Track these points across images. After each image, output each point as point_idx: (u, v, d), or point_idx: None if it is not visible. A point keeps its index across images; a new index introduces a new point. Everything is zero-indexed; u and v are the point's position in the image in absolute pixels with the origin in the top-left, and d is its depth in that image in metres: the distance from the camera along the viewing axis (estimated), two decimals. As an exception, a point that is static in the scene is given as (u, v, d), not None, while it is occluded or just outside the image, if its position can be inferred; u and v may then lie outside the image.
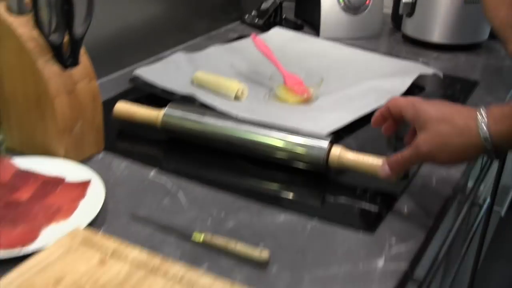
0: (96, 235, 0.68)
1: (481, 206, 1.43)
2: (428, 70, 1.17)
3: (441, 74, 1.18)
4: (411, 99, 0.79)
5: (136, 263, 0.64)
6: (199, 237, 0.72)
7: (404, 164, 0.77)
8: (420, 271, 0.93)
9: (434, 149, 0.73)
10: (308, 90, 1.07)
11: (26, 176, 0.81)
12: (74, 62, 0.82)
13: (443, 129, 0.72)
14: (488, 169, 1.33)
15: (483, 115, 0.70)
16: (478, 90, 1.20)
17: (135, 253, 0.65)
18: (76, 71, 0.83)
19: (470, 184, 1.22)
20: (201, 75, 1.10)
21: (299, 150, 0.85)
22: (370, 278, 0.67)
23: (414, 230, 0.76)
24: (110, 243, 0.66)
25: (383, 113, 0.81)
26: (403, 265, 0.70)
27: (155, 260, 0.64)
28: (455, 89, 1.19)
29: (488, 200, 1.46)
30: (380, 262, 0.70)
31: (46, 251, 0.65)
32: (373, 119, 0.83)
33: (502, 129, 0.68)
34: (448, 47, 1.39)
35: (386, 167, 0.78)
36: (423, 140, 0.73)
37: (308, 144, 0.85)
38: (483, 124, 0.69)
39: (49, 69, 0.80)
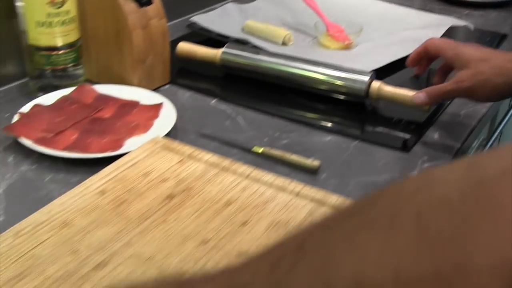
0: (173, 142, 0.80)
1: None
2: (460, 23, 1.27)
3: (471, 27, 1.27)
4: (449, 40, 0.89)
5: (210, 163, 0.76)
6: (259, 149, 0.84)
7: (443, 95, 0.86)
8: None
9: (476, 85, 0.80)
10: (348, 38, 1.18)
11: (105, 99, 0.94)
12: (149, 1, 0.94)
13: (484, 67, 0.80)
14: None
15: None
16: (506, 42, 1.30)
17: (208, 156, 0.78)
18: (150, 9, 0.95)
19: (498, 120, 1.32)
20: (251, 23, 1.21)
21: (343, 83, 0.97)
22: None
23: (443, 152, 0.87)
24: (186, 149, 0.79)
25: (420, 53, 0.91)
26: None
27: (226, 162, 0.77)
28: (485, 42, 1.29)
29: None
30: (414, 174, 0.82)
31: (133, 153, 0.78)
32: (409, 58, 0.93)
33: None
34: (479, 4, 1.48)
35: (422, 95, 0.87)
36: (466, 76, 0.81)
37: (351, 77, 0.96)
38: None
39: (128, 6, 0.92)
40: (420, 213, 0.25)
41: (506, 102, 1.33)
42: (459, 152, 0.89)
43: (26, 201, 0.73)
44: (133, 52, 0.94)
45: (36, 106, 0.90)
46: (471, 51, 0.83)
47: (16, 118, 0.87)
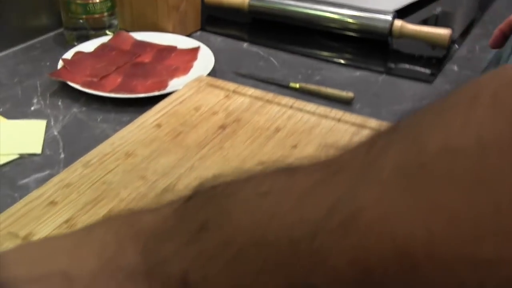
0: (217, 80, 0.85)
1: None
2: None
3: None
4: None
5: (254, 97, 0.81)
6: (295, 84, 0.89)
7: None
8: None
9: None
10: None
11: (143, 45, 0.98)
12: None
13: None
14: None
15: None
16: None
17: (252, 91, 0.82)
18: (181, -42, 0.98)
19: None
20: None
21: (368, 23, 1.01)
22: (436, 110, 0.84)
23: (463, 82, 0.92)
24: (230, 85, 0.84)
25: (504, 30, 0.92)
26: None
27: (269, 95, 0.81)
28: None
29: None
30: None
31: (181, 91, 0.83)
32: (492, 38, 0.92)
33: None
34: None
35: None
36: None
37: (375, 17, 1.01)
38: None
39: (161, -46, 0.95)
40: (496, 92, 0.30)
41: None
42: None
43: (82, 140, 0.78)
44: (167, -1, 0.97)
45: (77, 53, 0.94)
46: None
47: (60, 64, 0.91)
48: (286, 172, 0.32)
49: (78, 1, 0.96)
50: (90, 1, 0.96)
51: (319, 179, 0.30)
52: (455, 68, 0.96)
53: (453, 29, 1.08)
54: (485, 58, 0.99)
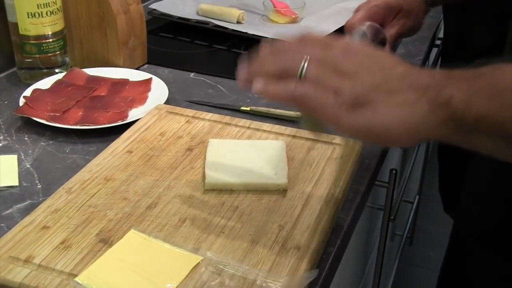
0: (175, 108, 0.92)
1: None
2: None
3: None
4: None
5: (213, 120, 0.89)
6: (246, 108, 0.97)
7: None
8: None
9: None
10: (294, 12, 1.32)
11: (97, 79, 1.03)
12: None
13: None
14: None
15: None
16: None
17: (210, 115, 0.90)
18: (128, -4, 1.05)
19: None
20: (205, 6, 1.33)
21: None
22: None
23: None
24: (188, 111, 0.91)
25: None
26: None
27: (226, 118, 0.89)
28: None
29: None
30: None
31: (143, 119, 0.89)
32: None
33: None
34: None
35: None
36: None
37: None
38: None
39: (110, -7, 1.02)
40: None
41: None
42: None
43: (55, 170, 0.82)
44: (118, 35, 1.03)
45: (35, 90, 0.98)
46: None
47: (22, 102, 0.95)
48: None
49: (33, 42, 1.00)
50: (44, 41, 1.01)
51: None
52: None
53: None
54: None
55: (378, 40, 0.84)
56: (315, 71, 0.55)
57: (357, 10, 0.89)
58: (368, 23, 0.83)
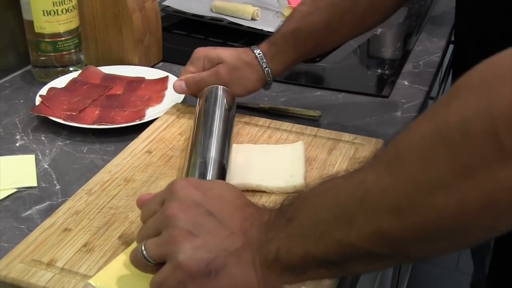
0: (194, 107, 0.90)
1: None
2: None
3: None
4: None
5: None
6: (265, 106, 0.95)
7: (201, 84, 0.87)
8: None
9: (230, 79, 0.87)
10: (309, 8, 1.31)
11: (112, 78, 1.02)
12: (143, -15, 1.03)
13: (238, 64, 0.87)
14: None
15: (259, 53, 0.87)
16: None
17: (229, 114, 0.88)
18: (144, -7, 1.04)
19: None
20: (219, 3, 1.32)
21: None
22: (395, 120, 0.93)
23: (417, 94, 1.02)
24: (207, 110, 0.89)
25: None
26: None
27: (245, 117, 0.88)
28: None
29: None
30: (398, 113, 0.96)
31: (162, 118, 0.88)
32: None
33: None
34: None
35: (183, 83, 0.89)
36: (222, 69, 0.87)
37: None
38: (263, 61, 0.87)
39: (126, -10, 1.00)
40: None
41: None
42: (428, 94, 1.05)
43: (73, 171, 0.81)
44: (134, 33, 1.02)
45: (51, 89, 0.97)
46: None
47: (38, 101, 0.94)
48: (345, 176, 0.50)
49: (48, 40, 0.99)
50: (59, 39, 1.00)
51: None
52: (406, 82, 1.06)
53: (396, 47, 1.19)
54: (431, 71, 1.10)
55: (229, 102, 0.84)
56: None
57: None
58: (220, 87, 0.84)
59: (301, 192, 0.53)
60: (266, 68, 0.86)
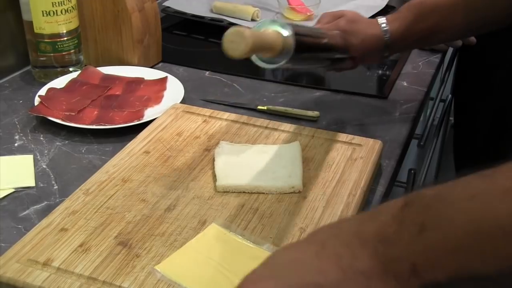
0: (192, 107, 0.91)
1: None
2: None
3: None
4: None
5: (231, 120, 0.87)
6: (263, 107, 0.95)
7: None
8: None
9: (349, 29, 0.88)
10: (309, 10, 1.31)
11: (111, 78, 1.02)
12: (142, -14, 1.03)
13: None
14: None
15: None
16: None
17: (227, 115, 0.88)
18: (143, -6, 1.04)
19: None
20: (219, 3, 1.32)
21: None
22: (393, 121, 0.93)
23: (415, 95, 1.02)
24: (205, 111, 0.89)
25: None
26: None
27: (243, 117, 0.88)
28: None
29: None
30: (397, 114, 0.96)
31: (160, 119, 0.88)
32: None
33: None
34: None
35: None
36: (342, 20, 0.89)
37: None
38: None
39: (126, -9, 1.01)
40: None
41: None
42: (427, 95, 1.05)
43: (71, 171, 0.82)
44: (133, 33, 1.02)
45: (50, 89, 0.97)
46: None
47: (37, 101, 0.94)
48: (482, 178, 0.42)
49: (47, 40, 0.99)
50: (59, 40, 1.00)
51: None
52: (405, 83, 1.06)
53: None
54: (430, 72, 1.10)
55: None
56: None
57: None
58: None
59: (424, 194, 0.44)
60: (385, 27, 0.87)
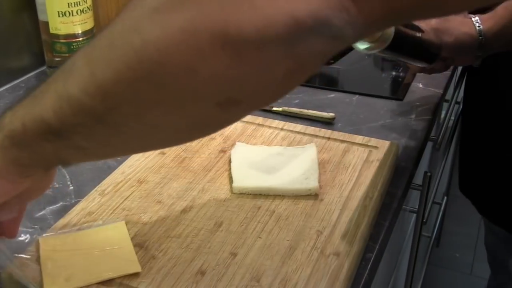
0: (207, 108, 0.90)
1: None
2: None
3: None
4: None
5: (246, 122, 0.87)
6: (278, 108, 0.95)
7: None
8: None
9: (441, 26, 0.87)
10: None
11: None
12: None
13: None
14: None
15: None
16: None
17: (242, 116, 0.88)
18: None
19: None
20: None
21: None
22: (409, 123, 0.93)
23: (430, 98, 1.02)
24: (221, 112, 0.89)
25: None
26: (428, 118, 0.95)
27: (259, 119, 0.88)
28: None
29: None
30: (413, 116, 0.95)
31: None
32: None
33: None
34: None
35: None
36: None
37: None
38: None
39: (141, -8, 1.00)
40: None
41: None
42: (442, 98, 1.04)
43: (87, 172, 0.81)
44: (148, 34, 1.02)
45: (66, 90, 0.97)
46: None
47: (52, 102, 0.94)
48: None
49: (63, 41, 1.00)
50: (74, 40, 1.00)
51: None
52: (420, 85, 1.05)
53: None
54: (445, 74, 1.09)
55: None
56: None
57: None
58: None
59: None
60: (479, 27, 0.85)
